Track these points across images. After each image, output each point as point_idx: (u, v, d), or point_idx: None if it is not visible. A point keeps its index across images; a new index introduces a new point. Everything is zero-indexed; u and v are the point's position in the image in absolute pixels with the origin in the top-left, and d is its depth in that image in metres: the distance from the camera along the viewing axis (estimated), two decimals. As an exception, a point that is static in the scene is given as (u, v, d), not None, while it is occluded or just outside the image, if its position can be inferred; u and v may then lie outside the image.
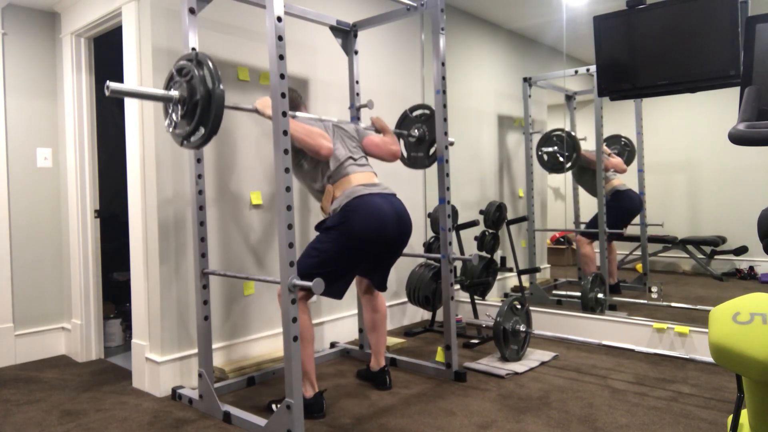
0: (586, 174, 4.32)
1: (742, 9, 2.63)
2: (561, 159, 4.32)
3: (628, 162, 4.21)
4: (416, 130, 3.21)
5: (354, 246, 2.48)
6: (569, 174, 4.49)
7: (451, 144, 3.17)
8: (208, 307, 2.56)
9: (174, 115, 2.16)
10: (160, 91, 2.11)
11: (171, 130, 2.18)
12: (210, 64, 2.06)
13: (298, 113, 2.68)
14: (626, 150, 4.23)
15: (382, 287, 2.80)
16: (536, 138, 4.74)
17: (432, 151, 3.18)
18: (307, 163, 2.64)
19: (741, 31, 2.62)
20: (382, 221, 2.50)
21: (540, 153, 4.46)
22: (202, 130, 2.09)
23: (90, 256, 3.36)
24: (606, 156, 4.17)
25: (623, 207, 4.16)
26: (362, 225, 2.46)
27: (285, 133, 2.10)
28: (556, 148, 4.34)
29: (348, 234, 2.46)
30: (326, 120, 2.74)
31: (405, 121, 3.27)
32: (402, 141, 3.25)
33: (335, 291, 2.53)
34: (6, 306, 3.29)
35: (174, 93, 2.12)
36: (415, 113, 3.24)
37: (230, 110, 3.02)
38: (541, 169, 4.85)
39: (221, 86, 2.03)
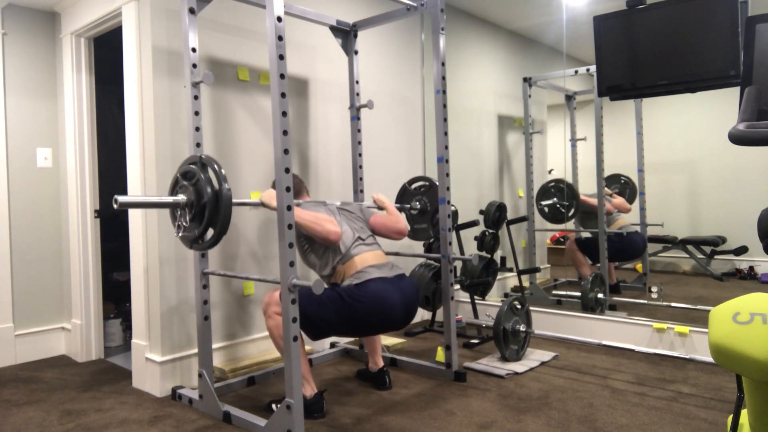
0: (589, 219, 4.33)
1: (742, 9, 2.63)
2: (562, 210, 4.35)
3: (630, 201, 4.22)
4: (417, 203, 3.21)
5: (355, 324, 2.47)
6: (569, 176, 4.48)
7: (454, 211, 3.19)
8: (208, 307, 2.56)
9: (182, 219, 2.18)
10: (168, 198, 2.14)
11: (180, 234, 2.20)
12: (215, 166, 2.09)
13: (301, 201, 2.69)
14: (627, 188, 4.24)
15: None
16: (536, 138, 4.75)
17: (436, 220, 3.16)
18: (315, 255, 2.61)
19: (741, 31, 2.61)
20: (391, 309, 2.46)
21: (540, 206, 4.48)
22: (211, 231, 2.12)
23: (90, 256, 3.36)
24: (608, 198, 4.18)
25: (625, 249, 4.19)
26: (368, 312, 2.43)
27: (285, 133, 2.10)
28: (555, 199, 4.37)
29: (353, 314, 2.43)
30: (330, 204, 2.74)
31: (405, 194, 3.28)
32: (404, 214, 3.26)
33: (315, 337, 2.51)
34: (6, 306, 3.29)
35: (181, 198, 2.14)
36: (414, 186, 3.25)
37: (231, 107, 3.02)
38: (541, 168, 4.85)
39: (227, 186, 2.07)
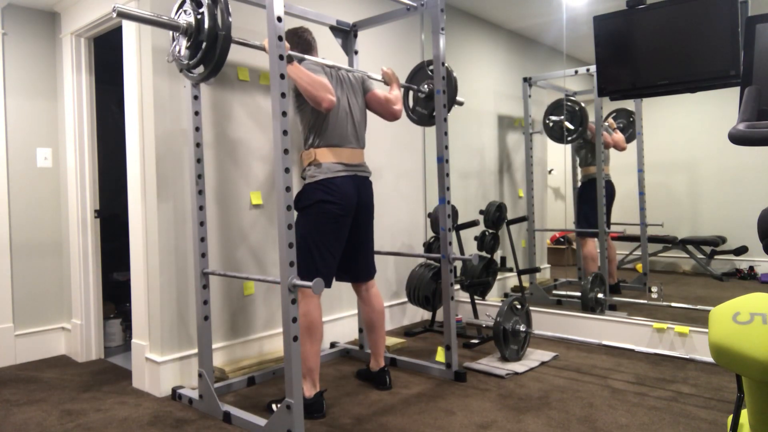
0: (586, 146, 4.27)
1: (742, 9, 2.63)
2: (566, 131, 4.23)
3: (629, 140, 4.14)
4: (427, 86, 3.12)
5: (328, 214, 2.53)
6: (569, 176, 4.48)
7: (461, 104, 3.13)
8: (208, 307, 2.56)
9: (178, 44, 2.12)
10: (167, 20, 2.07)
11: (172, 59, 2.17)
12: (224, 1, 2.02)
13: (307, 57, 2.62)
14: (631, 127, 4.16)
15: (370, 273, 2.80)
16: (536, 138, 4.75)
17: None
18: (301, 120, 2.64)
19: (741, 31, 2.62)
20: (346, 196, 2.57)
21: (548, 120, 4.36)
22: (202, 68, 2.07)
23: (90, 256, 3.36)
24: (610, 129, 4.11)
25: (592, 200, 4.12)
26: (329, 200, 2.53)
27: (285, 133, 2.10)
28: (563, 117, 4.23)
29: (319, 209, 2.53)
30: (334, 67, 2.69)
31: (419, 73, 3.17)
32: (411, 93, 3.16)
33: (323, 268, 2.54)
34: (6, 306, 3.29)
35: (182, 22, 2.07)
36: (431, 67, 3.11)
37: (231, 107, 3.02)
38: (541, 168, 4.85)
39: (231, 20, 2.01)
